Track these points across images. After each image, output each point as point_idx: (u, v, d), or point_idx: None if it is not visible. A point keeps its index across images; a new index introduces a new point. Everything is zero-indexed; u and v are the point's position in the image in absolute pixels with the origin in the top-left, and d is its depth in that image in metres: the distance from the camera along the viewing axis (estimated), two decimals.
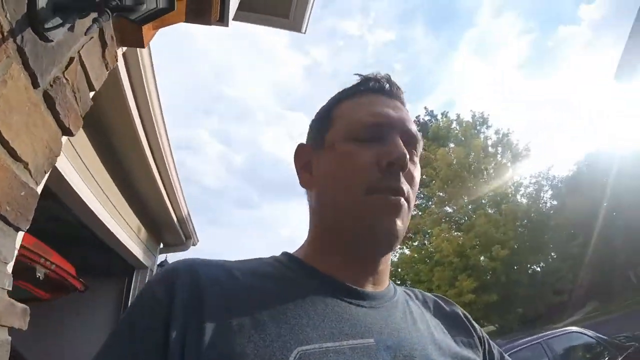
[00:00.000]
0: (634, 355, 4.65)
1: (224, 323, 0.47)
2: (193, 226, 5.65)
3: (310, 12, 3.87)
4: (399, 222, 0.57)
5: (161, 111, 2.96)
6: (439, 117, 29.25)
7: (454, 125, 23.37)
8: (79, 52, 1.21)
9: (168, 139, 3.41)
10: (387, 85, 0.67)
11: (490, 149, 20.41)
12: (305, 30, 4.03)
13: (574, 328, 5.31)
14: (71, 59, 1.19)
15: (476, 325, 0.71)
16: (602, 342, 4.76)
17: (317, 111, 0.72)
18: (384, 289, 0.64)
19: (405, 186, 0.58)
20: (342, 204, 0.59)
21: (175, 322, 0.46)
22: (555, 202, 21.05)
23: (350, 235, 0.58)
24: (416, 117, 32.86)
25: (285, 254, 0.64)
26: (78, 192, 2.51)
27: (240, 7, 3.12)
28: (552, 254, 19.09)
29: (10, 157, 0.97)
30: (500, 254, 15.52)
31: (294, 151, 0.71)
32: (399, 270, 21.65)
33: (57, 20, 1.02)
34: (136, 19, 1.10)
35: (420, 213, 22.46)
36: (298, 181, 0.69)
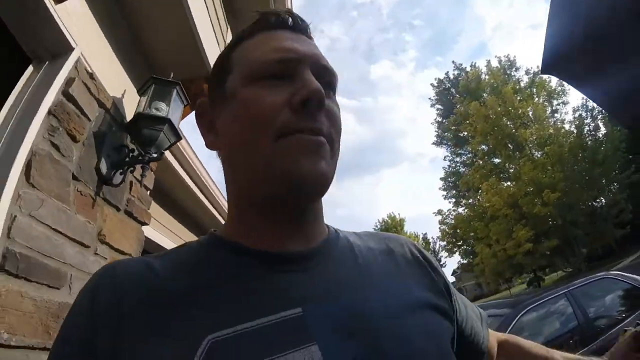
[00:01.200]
0: None
1: (142, 321, 0.43)
2: None
3: None
4: (322, 162, 0.48)
5: (200, 163, 3.88)
6: (468, 69, 28.33)
7: (483, 76, 22.80)
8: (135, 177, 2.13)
9: (208, 174, 4.33)
10: (290, 19, 0.57)
11: (525, 91, 19.82)
12: None
13: (609, 273, 4.73)
14: (131, 183, 2.10)
15: (440, 270, 0.64)
16: None
17: (215, 60, 0.61)
18: (318, 243, 0.55)
19: (325, 125, 0.50)
20: (251, 156, 0.50)
21: (100, 328, 0.43)
22: (599, 134, 20.12)
23: (266, 188, 0.49)
24: (445, 74, 32.21)
25: (210, 233, 0.57)
26: (154, 240, 3.49)
27: None
28: (608, 187, 18.43)
29: (125, 254, 1.90)
30: (552, 198, 15.39)
31: (194, 110, 0.60)
32: (457, 230, 21.95)
33: (117, 177, 1.91)
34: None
35: (468, 170, 22.43)
36: (205, 145, 0.59)
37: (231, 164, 0.55)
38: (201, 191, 4.42)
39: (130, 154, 1.99)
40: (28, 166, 1.35)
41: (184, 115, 2.63)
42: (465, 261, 27.89)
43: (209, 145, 0.59)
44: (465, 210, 22.34)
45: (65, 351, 0.44)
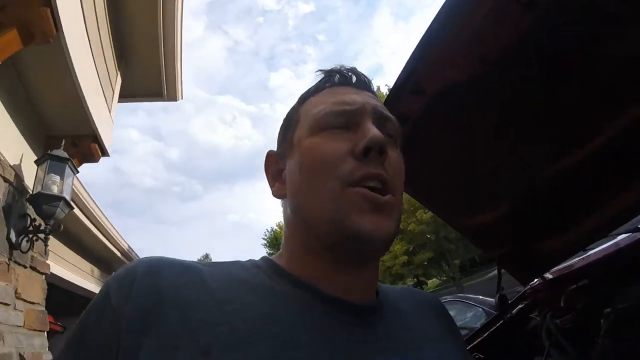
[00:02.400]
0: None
1: (185, 344, 0.38)
2: (135, 253, 6.70)
3: (181, 85, 4.97)
4: (387, 222, 0.47)
5: (94, 202, 4.07)
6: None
7: (385, 94, 24.91)
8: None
9: (102, 212, 4.50)
10: (354, 77, 0.59)
11: None
12: (182, 97, 5.15)
13: (456, 296, 5.32)
14: (33, 243, 2.40)
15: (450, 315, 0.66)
16: (480, 305, 4.53)
17: (285, 116, 0.63)
18: (376, 298, 0.54)
19: (387, 172, 0.49)
20: (314, 206, 0.49)
21: (128, 334, 0.38)
22: None
23: (330, 239, 0.47)
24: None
25: (264, 258, 0.55)
26: (56, 273, 3.60)
27: (120, 97, 4.23)
28: None
29: (35, 304, 2.19)
30: (425, 217, 17.64)
31: (264, 160, 0.62)
32: None
33: (25, 244, 2.23)
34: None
35: None
36: (271, 193, 0.59)
37: (295, 208, 0.53)
38: (97, 228, 4.58)
39: (33, 224, 2.27)
40: None
41: (77, 164, 2.91)
42: None
43: (275, 192, 0.58)
44: None
45: (81, 353, 0.41)
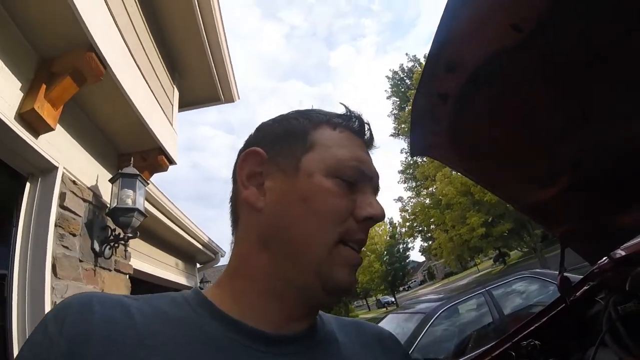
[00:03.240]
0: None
1: None
2: (216, 244, 7.28)
3: (236, 86, 5.29)
4: (355, 279, 0.53)
5: (171, 202, 4.54)
6: (422, 60, 29.35)
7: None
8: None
9: (178, 209, 4.99)
10: (368, 134, 0.61)
11: None
12: (238, 97, 5.48)
13: (529, 271, 5.09)
14: (116, 249, 2.77)
15: (401, 345, 0.68)
16: (555, 283, 4.00)
17: (282, 119, 0.60)
18: (306, 329, 0.54)
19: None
20: (306, 247, 0.50)
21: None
22: None
23: (304, 280, 0.50)
24: (400, 65, 32.97)
25: (195, 291, 0.54)
26: (144, 270, 4.15)
27: (180, 107, 4.64)
28: None
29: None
30: None
31: (242, 154, 0.57)
32: (416, 218, 23.18)
33: (107, 252, 2.59)
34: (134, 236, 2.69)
35: (425, 160, 23.62)
36: (231, 190, 0.58)
37: (275, 237, 0.52)
38: (175, 224, 5.12)
39: (113, 234, 2.66)
40: (53, 266, 2.03)
41: (147, 177, 3.30)
42: (425, 245, 29.37)
43: (247, 198, 0.54)
44: (427, 199, 23.41)
45: None
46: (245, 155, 0.56)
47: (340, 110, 0.61)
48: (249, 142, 0.60)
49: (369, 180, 0.56)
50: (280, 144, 0.57)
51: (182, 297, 0.52)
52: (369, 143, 0.61)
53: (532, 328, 1.70)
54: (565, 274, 1.66)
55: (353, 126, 0.59)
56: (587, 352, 1.32)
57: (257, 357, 0.47)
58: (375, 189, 0.57)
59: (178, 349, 0.44)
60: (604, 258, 1.75)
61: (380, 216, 0.53)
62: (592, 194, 1.41)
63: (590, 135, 1.17)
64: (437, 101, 1.16)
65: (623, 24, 0.85)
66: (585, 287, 1.77)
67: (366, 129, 0.60)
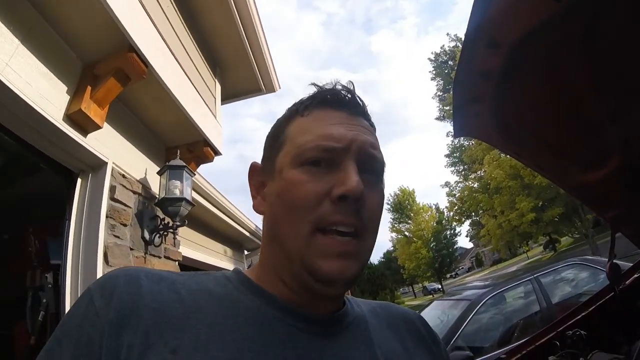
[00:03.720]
0: None
1: (157, 343, 0.42)
2: None
3: (276, 75, 5.32)
4: (350, 266, 0.50)
5: (217, 191, 4.72)
6: (464, 38, 27.86)
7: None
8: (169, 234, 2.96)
9: (225, 198, 5.18)
10: (347, 98, 0.57)
11: None
12: (279, 87, 5.52)
13: (580, 258, 4.84)
14: (165, 237, 2.92)
15: (441, 345, 0.67)
16: (605, 270, 4.03)
17: (273, 125, 0.62)
18: (339, 311, 0.57)
19: (359, 220, 0.50)
20: (287, 240, 0.51)
21: (109, 334, 0.42)
22: None
23: (299, 277, 0.51)
24: (441, 47, 31.63)
25: (236, 271, 0.58)
26: (193, 257, 4.36)
27: (223, 100, 4.75)
28: None
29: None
30: None
31: (248, 170, 0.63)
32: (464, 202, 22.55)
33: (157, 240, 2.73)
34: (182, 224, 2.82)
35: (472, 142, 22.84)
36: (252, 205, 0.61)
37: (270, 233, 0.56)
38: (222, 212, 5.33)
39: (162, 223, 2.81)
40: (105, 255, 2.18)
41: (193, 168, 3.44)
42: (474, 231, 28.59)
43: (256, 207, 0.59)
44: (475, 183, 22.73)
45: (66, 352, 0.43)
46: (250, 171, 0.63)
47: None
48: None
49: (343, 150, 0.52)
50: (267, 151, 0.60)
51: (224, 276, 0.56)
52: (350, 108, 0.57)
53: (578, 317, 1.65)
54: (615, 261, 1.57)
55: (325, 101, 0.57)
56: (635, 344, 1.24)
57: (294, 332, 0.50)
58: (362, 156, 0.53)
59: (223, 322, 0.47)
60: None
61: (352, 190, 0.49)
62: None
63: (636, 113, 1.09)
64: (479, 79, 1.12)
65: None
66: (636, 276, 1.69)
67: (342, 96, 0.57)
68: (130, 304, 0.44)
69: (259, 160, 0.64)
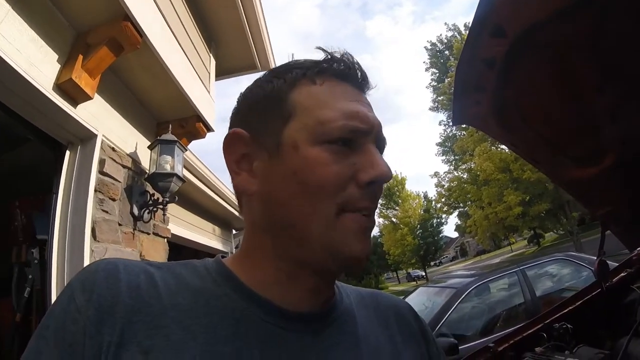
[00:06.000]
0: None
1: (130, 342, 0.40)
2: None
3: (272, 54, 5.22)
4: (369, 245, 0.48)
5: (208, 169, 4.67)
6: (462, 28, 27.77)
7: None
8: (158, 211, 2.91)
9: (216, 176, 5.13)
10: (359, 74, 0.52)
11: None
12: (275, 65, 5.39)
13: (565, 254, 4.97)
14: (154, 213, 2.88)
15: (432, 339, 0.63)
16: (590, 268, 4.14)
17: (256, 86, 0.54)
18: (324, 305, 0.53)
19: (378, 203, 0.49)
20: (304, 223, 0.46)
21: (90, 333, 0.40)
22: None
23: (315, 257, 0.47)
24: (438, 36, 31.39)
25: (217, 261, 0.53)
26: (182, 235, 4.33)
27: (217, 76, 4.66)
28: None
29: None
30: None
31: (225, 138, 0.52)
32: (452, 193, 22.78)
33: (146, 216, 2.70)
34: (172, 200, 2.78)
35: (464, 133, 22.94)
36: (232, 181, 0.53)
37: (273, 217, 0.49)
38: (212, 190, 5.29)
39: (151, 198, 2.77)
40: (93, 230, 2.14)
41: (185, 144, 3.39)
42: (460, 222, 28.98)
43: (240, 184, 0.51)
44: (464, 174, 22.94)
45: (43, 351, 0.41)
46: (229, 140, 0.52)
47: (320, 56, 0.52)
48: (232, 120, 0.55)
49: (366, 133, 0.49)
50: (259, 118, 0.51)
51: (204, 267, 0.51)
52: (361, 85, 0.53)
53: (565, 311, 1.67)
54: (603, 258, 1.59)
55: (337, 71, 0.51)
56: (619, 341, 1.27)
57: (274, 331, 0.47)
58: (378, 141, 0.51)
59: (197, 320, 0.44)
60: None
61: (384, 176, 0.47)
62: (636, 175, 1.31)
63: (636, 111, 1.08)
64: (482, 67, 1.10)
65: None
66: (623, 274, 1.70)
67: (354, 71, 0.52)
68: (109, 300, 0.42)
69: None
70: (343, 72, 0.51)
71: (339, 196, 0.46)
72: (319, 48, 0.52)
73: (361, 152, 0.48)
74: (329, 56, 0.52)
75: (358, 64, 0.53)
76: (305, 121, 0.48)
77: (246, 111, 0.53)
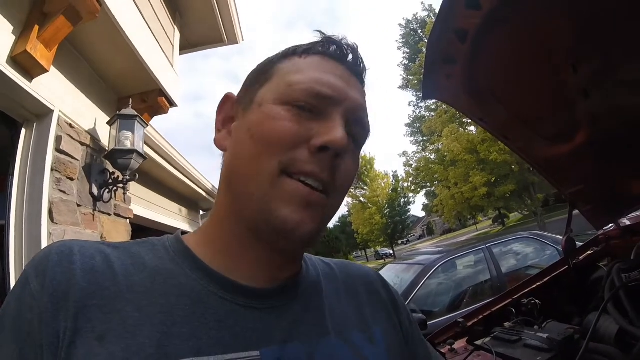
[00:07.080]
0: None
1: (85, 328, 0.38)
2: None
3: (240, 27, 5.03)
4: (311, 218, 0.45)
5: (171, 146, 4.48)
6: (438, 9, 27.77)
7: None
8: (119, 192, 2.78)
9: (181, 155, 4.95)
10: (351, 56, 0.52)
11: None
12: (243, 39, 5.24)
13: (529, 232, 5.11)
14: (115, 193, 2.75)
15: (402, 308, 0.62)
16: (556, 245, 4.37)
17: (262, 62, 0.55)
18: (288, 280, 0.51)
19: (332, 178, 0.46)
20: (247, 178, 0.46)
21: (46, 320, 0.38)
22: None
23: (253, 221, 0.46)
24: (414, 14, 31.42)
25: (177, 238, 0.51)
26: (146, 217, 4.16)
27: (182, 49, 4.45)
28: None
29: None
30: None
31: (220, 101, 0.55)
32: (419, 173, 23.21)
33: (106, 195, 2.56)
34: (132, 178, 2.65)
35: (432, 114, 23.26)
36: (213, 139, 0.54)
37: (229, 171, 0.50)
38: (177, 169, 5.11)
39: (111, 177, 2.62)
40: (50, 212, 2.00)
41: (147, 119, 3.23)
42: (427, 202, 29.69)
43: (217, 140, 0.53)
44: (432, 154, 23.34)
45: (2, 343, 0.39)
46: (221, 102, 0.56)
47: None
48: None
49: (334, 102, 0.48)
50: (249, 84, 0.54)
51: (162, 245, 0.50)
52: (350, 66, 0.52)
53: (533, 287, 1.69)
54: (570, 235, 1.62)
55: (327, 50, 0.52)
56: (587, 317, 1.30)
57: (233, 309, 0.45)
58: (351, 114, 0.49)
59: (154, 301, 0.43)
60: (610, 225, 1.71)
61: (336, 143, 0.45)
62: (608, 156, 1.33)
63: (615, 92, 1.08)
64: (454, 38, 1.08)
65: None
66: (589, 252, 1.74)
67: (346, 52, 0.53)
68: (63, 284, 0.41)
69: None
70: (333, 53, 0.52)
71: (285, 155, 0.45)
72: (318, 31, 0.54)
73: (324, 120, 0.47)
74: (325, 38, 0.53)
75: (353, 47, 0.53)
76: (276, 83, 0.49)
77: (246, 81, 0.55)
